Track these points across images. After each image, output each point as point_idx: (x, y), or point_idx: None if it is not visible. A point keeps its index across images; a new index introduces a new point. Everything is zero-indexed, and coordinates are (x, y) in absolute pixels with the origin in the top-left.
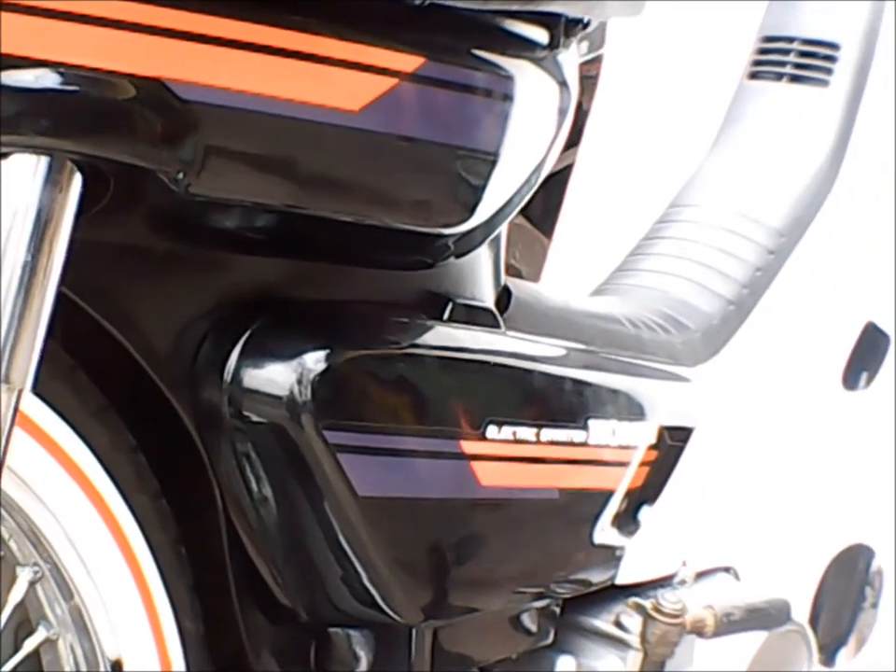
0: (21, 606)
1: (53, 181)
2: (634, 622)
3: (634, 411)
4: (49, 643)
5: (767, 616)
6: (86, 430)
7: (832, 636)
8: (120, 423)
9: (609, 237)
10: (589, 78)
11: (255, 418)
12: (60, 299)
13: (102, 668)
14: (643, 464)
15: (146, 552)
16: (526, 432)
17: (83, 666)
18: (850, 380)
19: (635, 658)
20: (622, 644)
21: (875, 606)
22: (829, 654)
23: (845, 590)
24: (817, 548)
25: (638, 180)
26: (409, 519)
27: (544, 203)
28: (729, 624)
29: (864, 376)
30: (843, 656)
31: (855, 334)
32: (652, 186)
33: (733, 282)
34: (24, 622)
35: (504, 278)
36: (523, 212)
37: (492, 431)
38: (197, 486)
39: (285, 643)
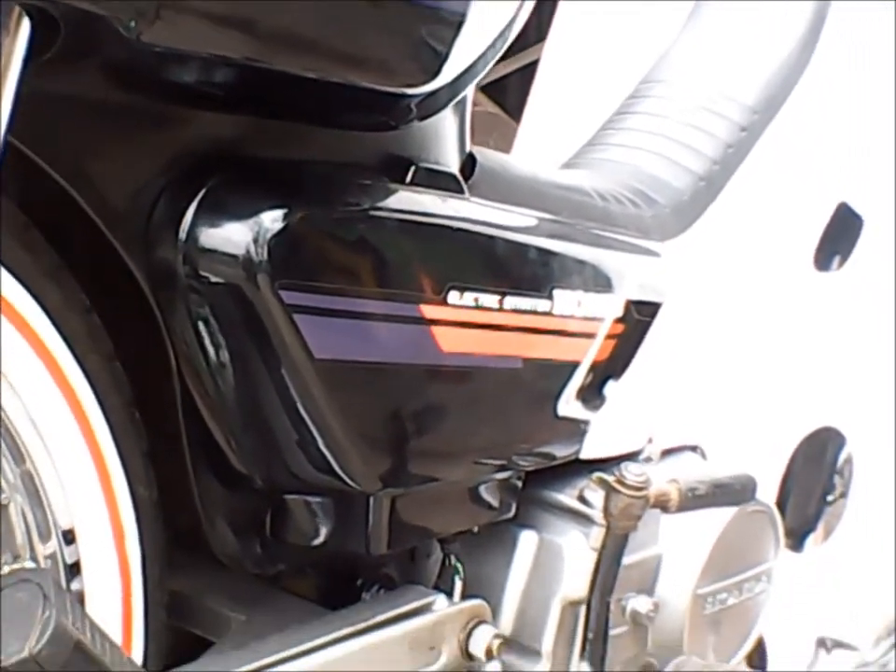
0: None
1: (1, 25)
2: (597, 497)
3: (600, 282)
4: (1, 508)
5: (733, 492)
6: (38, 289)
7: (800, 521)
8: (74, 282)
9: (578, 119)
10: None
11: (210, 278)
12: (14, 154)
13: (54, 536)
14: (609, 337)
15: (98, 415)
16: (489, 299)
17: (34, 533)
18: (822, 261)
19: (598, 534)
20: (585, 519)
21: (844, 496)
22: (797, 540)
23: (813, 476)
24: (785, 430)
25: (608, 65)
26: (367, 384)
27: (520, 94)
28: (694, 499)
29: (836, 258)
30: (811, 542)
31: (827, 215)
32: (621, 72)
33: (704, 158)
34: None
35: (469, 146)
36: (498, 102)
37: (453, 297)
38: (152, 349)
39: (240, 510)
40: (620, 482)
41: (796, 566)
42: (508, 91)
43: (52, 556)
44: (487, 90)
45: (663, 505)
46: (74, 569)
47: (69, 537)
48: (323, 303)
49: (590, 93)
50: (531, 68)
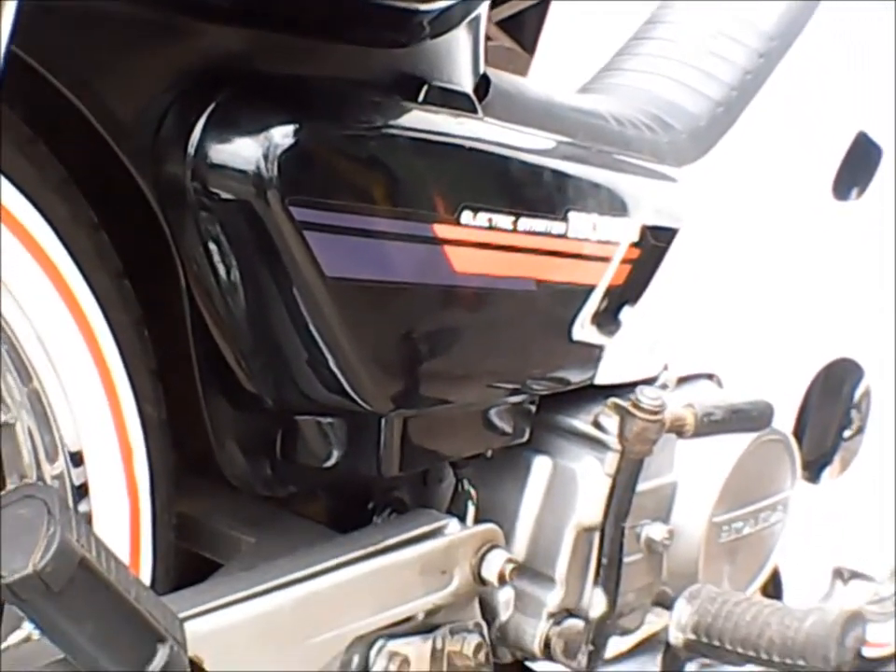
0: None
1: None
2: (612, 422)
3: (616, 206)
4: (7, 427)
5: (750, 418)
6: (45, 204)
7: (816, 453)
8: (81, 198)
9: (592, 51)
10: None
11: (220, 194)
12: (20, 66)
13: (61, 457)
14: (625, 261)
15: (106, 333)
16: (503, 220)
17: (42, 454)
18: (841, 190)
19: (613, 459)
20: (599, 444)
21: (860, 431)
22: (813, 471)
23: (830, 408)
24: (802, 360)
25: None
26: (378, 303)
27: (536, 29)
28: (710, 424)
29: (855, 188)
30: (827, 474)
31: (846, 144)
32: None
33: (721, 84)
34: None
35: (484, 67)
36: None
37: (467, 217)
38: (160, 266)
39: (250, 431)
40: (635, 405)
41: (813, 497)
42: (524, 25)
43: (59, 477)
44: (503, 24)
45: (678, 430)
46: (81, 491)
47: (76, 458)
48: (334, 221)
49: (605, 24)
50: (547, 3)
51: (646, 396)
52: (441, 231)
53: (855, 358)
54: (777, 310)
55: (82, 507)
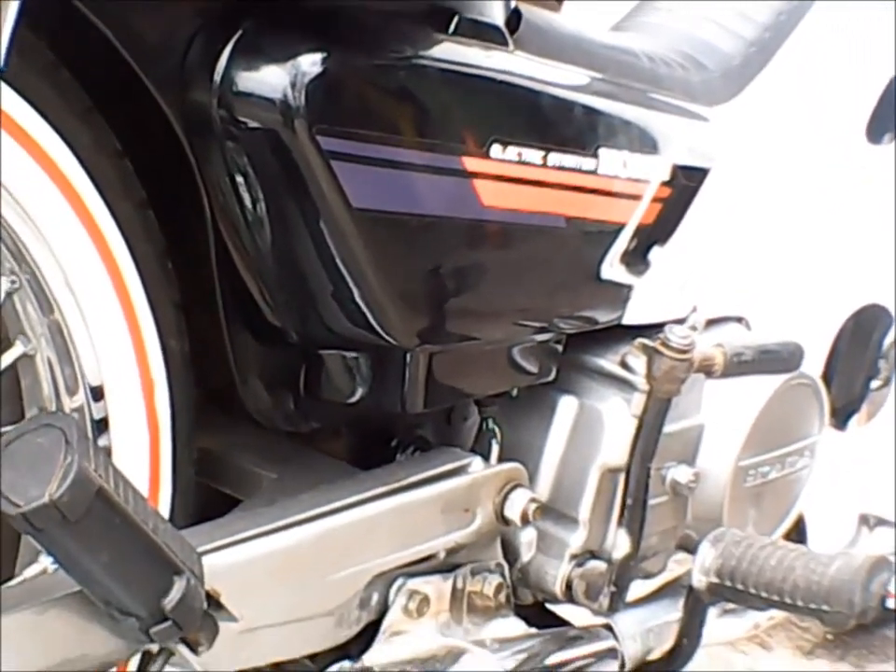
0: None
1: None
2: (640, 363)
3: (647, 144)
4: (27, 359)
5: (780, 359)
6: (69, 132)
7: (844, 400)
8: (106, 125)
9: None
10: None
11: (246, 123)
12: None
13: (81, 390)
14: (655, 200)
15: (129, 264)
16: (532, 154)
17: (62, 387)
18: (874, 134)
19: (639, 400)
20: (626, 385)
21: (888, 383)
22: (840, 419)
23: (859, 355)
24: (832, 305)
25: None
26: (405, 236)
27: None
28: (739, 365)
29: (889, 132)
30: (854, 422)
31: (880, 88)
32: None
33: (754, 23)
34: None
35: (515, 1)
36: None
37: (496, 151)
38: (185, 196)
39: (274, 366)
40: (664, 344)
41: (839, 444)
42: None
43: (79, 410)
44: None
45: (707, 369)
46: (101, 425)
47: (97, 392)
48: (361, 151)
49: None
50: None
51: (675, 334)
52: (470, 163)
53: (886, 305)
54: (807, 253)
55: (102, 441)
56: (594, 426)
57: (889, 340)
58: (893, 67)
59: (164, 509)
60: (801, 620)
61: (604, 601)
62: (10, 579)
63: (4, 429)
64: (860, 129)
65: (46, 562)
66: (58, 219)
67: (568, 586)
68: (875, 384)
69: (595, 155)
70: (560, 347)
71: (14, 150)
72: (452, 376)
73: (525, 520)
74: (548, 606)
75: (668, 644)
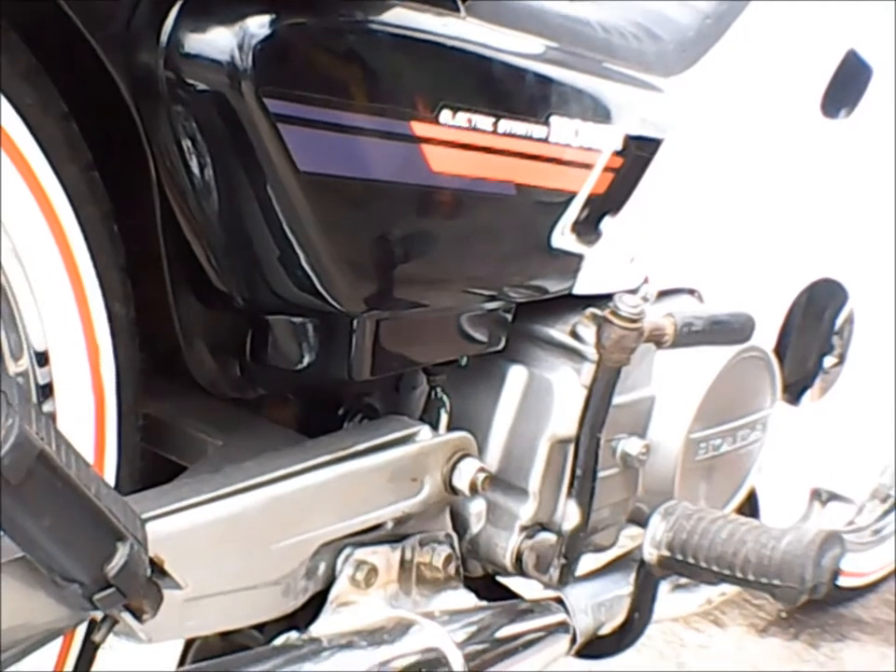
0: None
1: None
2: (590, 333)
3: (599, 113)
4: None
5: (731, 330)
6: (14, 92)
7: (797, 375)
8: (51, 86)
9: None
10: None
11: (193, 85)
12: None
13: (25, 355)
14: (607, 170)
15: (75, 227)
16: (483, 121)
17: (6, 352)
18: (830, 108)
19: (589, 370)
20: (576, 355)
21: (841, 361)
22: (794, 393)
23: (813, 330)
24: (785, 278)
25: None
26: (353, 200)
27: None
28: (689, 335)
29: (845, 106)
30: (807, 398)
31: (835, 61)
32: None
33: None
34: None
35: None
36: None
37: (446, 116)
38: (131, 159)
39: (219, 332)
40: (614, 313)
41: (792, 419)
42: None
43: (24, 375)
44: None
45: (657, 339)
46: (46, 390)
47: (42, 358)
48: (309, 114)
49: None
50: None
51: (625, 303)
52: (419, 129)
53: (839, 280)
54: (761, 226)
55: (47, 407)
56: (543, 396)
57: (842, 316)
58: (849, 41)
59: (110, 475)
60: (754, 597)
61: (554, 574)
62: None
63: None
64: (815, 103)
65: None
66: (2, 181)
67: (518, 558)
68: (829, 360)
69: (546, 123)
70: (509, 316)
71: None
72: (399, 343)
73: (474, 490)
74: (498, 578)
75: (620, 619)
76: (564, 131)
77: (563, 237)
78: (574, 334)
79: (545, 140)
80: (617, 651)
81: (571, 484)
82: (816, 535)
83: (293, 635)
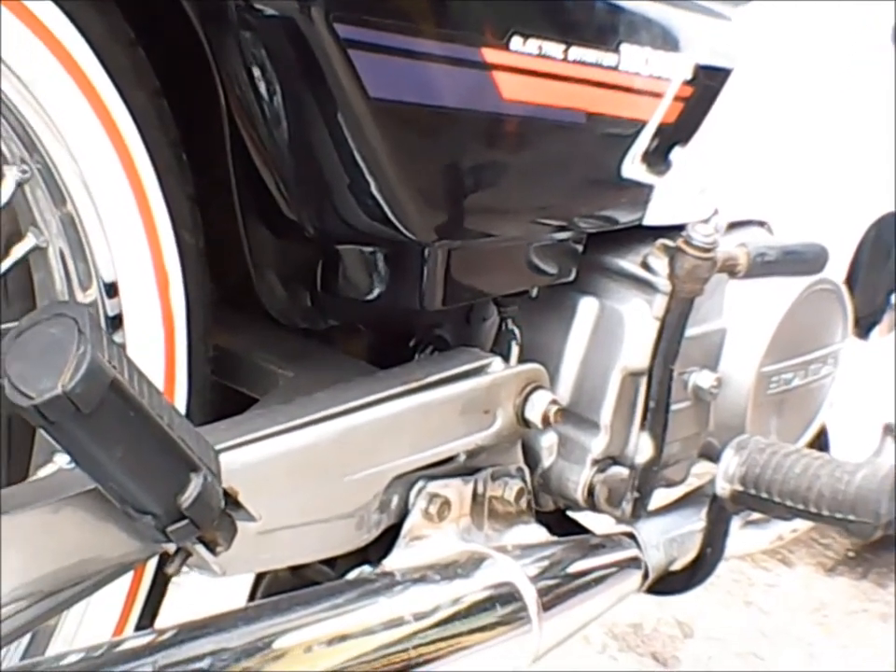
0: (9, 210)
1: None
2: (661, 264)
3: (669, 42)
4: (39, 252)
5: (803, 261)
6: (82, 19)
7: (867, 309)
8: (119, 13)
9: None
10: None
11: (262, 10)
12: None
13: (94, 285)
14: (677, 99)
15: (143, 155)
16: (553, 48)
17: (75, 282)
18: None
19: (661, 302)
20: (648, 286)
21: None
22: (864, 328)
23: (882, 264)
24: (855, 210)
25: None
26: (423, 128)
27: None
28: (763, 265)
29: None
30: (876, 333)
31: None
32: None
33: None
34: (15, 234)
35: None
36: None
37: (516, 43)
38: (200, 86)
39: (289, 260)
40: (687, 242)
41: (862, 354)
42: None
43: (93, 306)
44: None
45: (730, 269)
46: (115, 322)
47: (111, 289)
48: (379, 40)
49: None
50: None
51: (698, 232)
52: (490, 55)
53: None
54: (830, 157)
55: (116, 338)
56: (615, 328)
57: None
58: None
59: (180, 407)
60: (822, 535)
61: (626, 508)
62: (25, 479)
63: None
64: (886, 31)
65: (60, 461)
66: (70, 108)
67: (590, 492)
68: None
69: (616, 51)
70: (580, 247)
71: (27, 39)
72: (470, 274)
73: (546, 422)
74: (569, 513)
75: (692, 554)
76: (634, 59)
77: (633, 167)
78: (645, 265)
79: (615, 68)
80: (688, 588)
81: (644, 417)
82: (890, 469)
83: (366, 569)
